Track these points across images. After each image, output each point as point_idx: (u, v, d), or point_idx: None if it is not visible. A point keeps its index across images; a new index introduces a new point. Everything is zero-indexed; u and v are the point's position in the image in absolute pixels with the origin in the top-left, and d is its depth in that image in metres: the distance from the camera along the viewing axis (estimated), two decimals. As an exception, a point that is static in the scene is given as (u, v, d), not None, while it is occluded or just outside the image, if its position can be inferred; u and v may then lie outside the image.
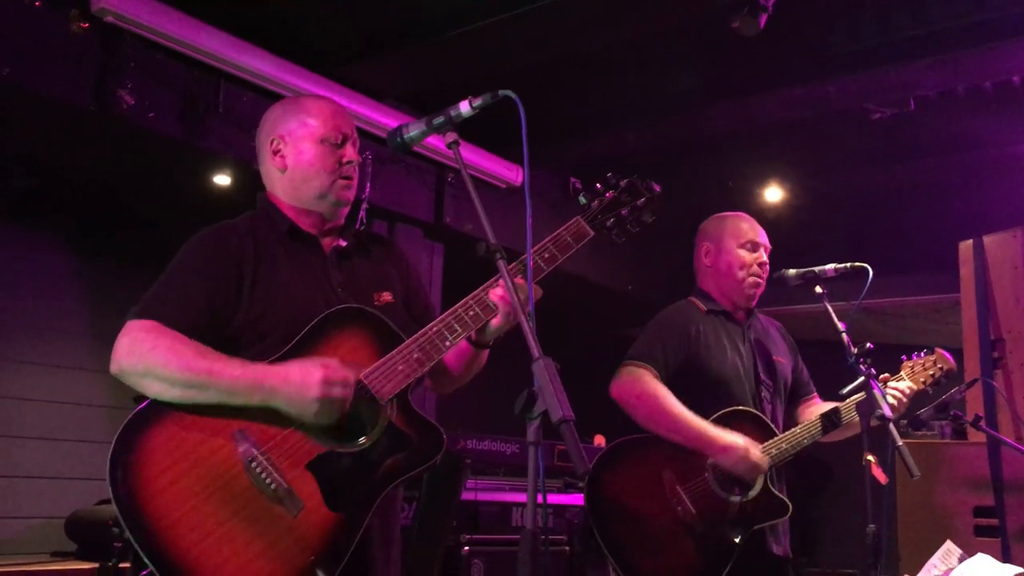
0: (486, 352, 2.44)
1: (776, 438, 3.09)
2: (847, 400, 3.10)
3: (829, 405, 3.20)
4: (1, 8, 3.99)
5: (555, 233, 2.43)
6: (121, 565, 4.08)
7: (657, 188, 2.59)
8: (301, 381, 2.09)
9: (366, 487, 2.16)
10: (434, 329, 2.24)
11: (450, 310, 2.27)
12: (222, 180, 5.18)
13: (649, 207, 2.56)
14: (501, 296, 2.27)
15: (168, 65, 4.53)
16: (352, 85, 4.97)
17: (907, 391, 3.13)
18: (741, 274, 3.26)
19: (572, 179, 6.57)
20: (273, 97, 4.79)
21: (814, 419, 3.13)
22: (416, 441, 2.21)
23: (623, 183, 2.55)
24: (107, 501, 4.87)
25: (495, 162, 5.84)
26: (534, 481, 1.85)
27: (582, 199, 2.52)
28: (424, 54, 4.94)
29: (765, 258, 3.30)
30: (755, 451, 3.03)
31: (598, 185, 2.55)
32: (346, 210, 2.47)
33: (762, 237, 3.34)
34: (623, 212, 2.53)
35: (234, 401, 2.11)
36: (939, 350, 3.24)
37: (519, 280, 2.25)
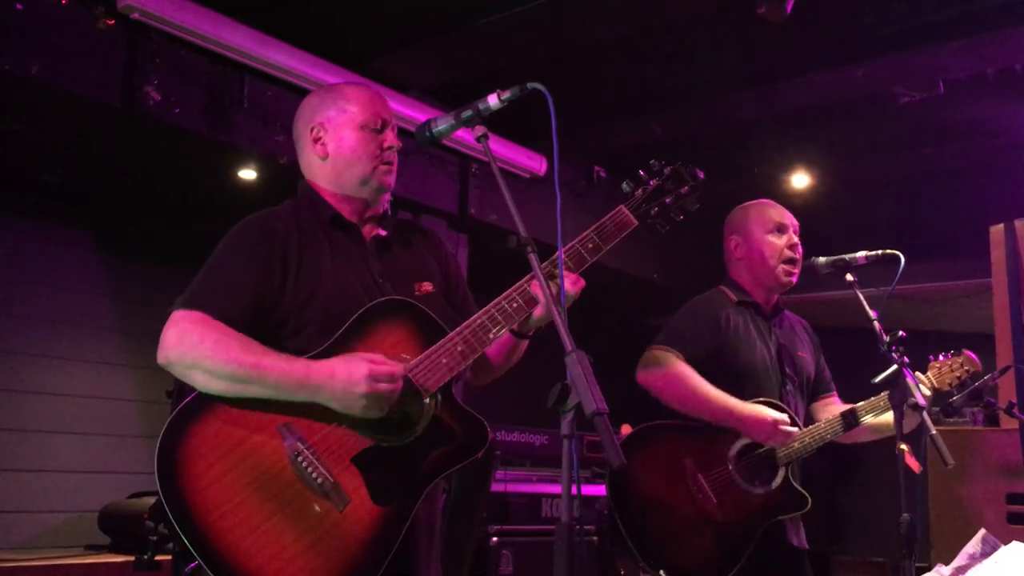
0: (526, 342, 2.43)
1: (799, 432, 3.09)
2: (881, 391, 3.08)
3: (848, 406, 3.19)
4: (28, 7, 4.02)
5: (599, 223, 2.40)
6: (157, 558, 4.12)
7: (701, 175, 2.55)
8: (348, 376, 2.09)
9: (412, 481, 2.17)
10: (478, 321, 2.23)
11: (493, 302, 2.26)
12: (247, 175, 5.20)
13: (693, 195, 2.53)
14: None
15: (193, 61, 4.55)
16: (376, 78, 4.96)
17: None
18: (773, 261, 3.24)
19: (596, 168, 6.55)
20: (297, 91, 4.81)
21: (835, 416, 3.13)
22: (460, 434, 2.21)
23: (667, 171, 2.52)
24: (140, 494, 4.93)
25: (518, 152, 5.83)
26: (568, 474, 1.85)
27: (625, 187, 2.48)
28: (447, 46, 4.94)
29: (796, 239, 3.27)
30: (786, 423, 3.03)
31: (641, 173, 2.51)
32: (387, 196, 2.46)
33: (789, 218, 3.31)
34: (667, 200, 2.50)
35: (279, 396, 2.12)
36: (966, 351, 3.21)
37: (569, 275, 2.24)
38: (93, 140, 4.83)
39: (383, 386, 2.10)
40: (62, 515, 5.43)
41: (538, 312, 2.29)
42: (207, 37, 4.38)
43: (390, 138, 2.42)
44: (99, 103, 4.29)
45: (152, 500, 4.56)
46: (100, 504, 5.05)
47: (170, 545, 4.16)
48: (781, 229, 3.27)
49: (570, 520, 1.82)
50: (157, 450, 2.08)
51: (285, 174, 4.91)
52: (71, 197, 5.61)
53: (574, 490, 1.83)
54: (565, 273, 2.22)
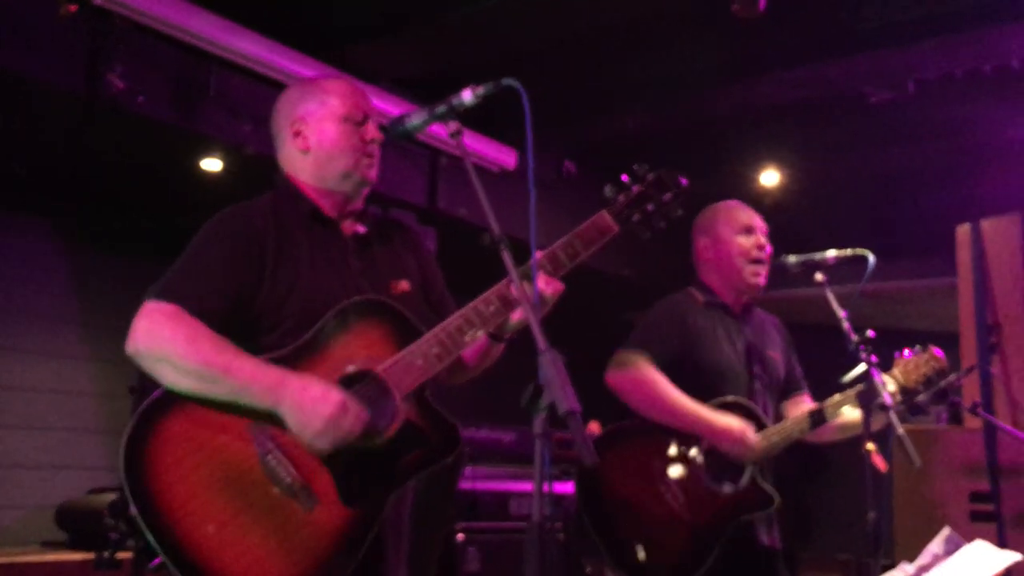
0: (502, 346, 2.41)
1: (767, 430, 3.11)
2: (848, 389, 3.10)
3: (816, 404, 3.21)
4: (-13, -9, 3.92)
5: (579, 228, 2.38)
6: (118, 555, 4.05)
7: (685, 182, 2.53)
8: (321, 396, 2.06)
9: (382, 483, 2.15)
10: (454, 324, 2.21)
11: (470, 304, 2.25)
12: (213, 165, 5.13)
13: (677, 202, 2.51)
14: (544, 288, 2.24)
15: (159, 48, 4.46)
16: (346, 68, 4.91)
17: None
18: (741, 261, 3.27)
19: (567, 162, 6.53)
20: (265, 81, 4.74)
21: (803, 415, 3.16)
22: (432, 437, 2.20)
23: (650, 177, 2.49)
24: (99, 491, 4.85)
25: (488, 145, 5.79)
26: (540, 472, 1.84)
27: (607, 192, 2.46)
28: (419, 38, 4.90)
29: (764, 240, 3.30)
30: (750, 434, 3.04)
31: (624, 178, 2.49)
32: (367, 191, 2.44)
33: (757, 220, 3.34)
34: (649, 207, 2.48)
35: (244, 400, 2.09)
36: (932, 348, 3.24)
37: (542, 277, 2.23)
38: (55, 128, 4.73)
39: (348, 420, 2.07)
40: (18, 511, 5.31)
41: (516, 316, 2.28)
42: (173, 24, 4.28)
43: (372, 131, 2.40)
44: (61, 91, 4.18)
45: (112, 496, 4.50)
46: (58, 500, 4.97)
47: (131, 542, 4.10)
48: (749, 231, 3.29)
49: (541, 519, 1.81)
50: (123, 445, 2.05)
51: (251, 164, 4.84)
52: (31, 186, 5.49)
53: (546, 488, 1.81)
54: (540, 274, 2.22)
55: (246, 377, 2.08)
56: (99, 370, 5.67)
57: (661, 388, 3.08)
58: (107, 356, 5.59)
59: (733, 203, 3.40)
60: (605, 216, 2.41)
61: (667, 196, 2.50)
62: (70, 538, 4.85)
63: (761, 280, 3.29)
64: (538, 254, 2.25)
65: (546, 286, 2.25)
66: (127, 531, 4.12)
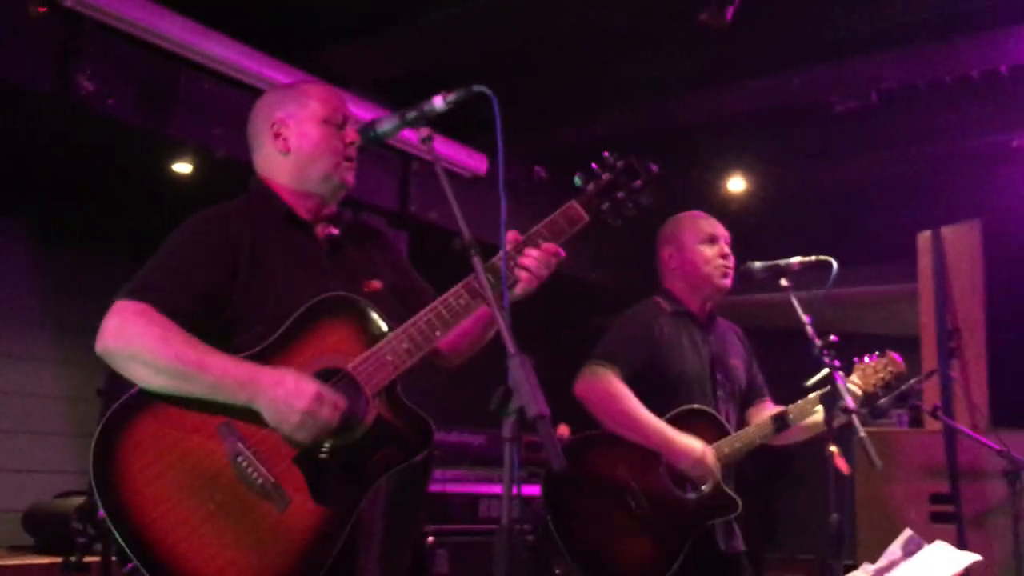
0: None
1: (729, 437, 3.16)
2: (811, 393, 3.16)
3: (780, 408, 3.27)
4: (-44, -8, 3.90)
5: (549, 218, 2.39)
6: (85, 559, 4.02)
7: (655, 169, 2.53)
8: (295, 388, 2.06)
9: (355, 481, 2.15)
10: (424, 319, 2.22)
11: (440, 298, 2.26)
12: (183, 168, 5.11)
13: (647, 189, 2.51)
14: (527, 264, 2.27)
15: (129, 51, 4.44)
16: (316, 71, 4.91)
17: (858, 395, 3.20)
18: (707, 269, 3.33)
19: (537, 168, 6.56)
20: (235, 84, 4.73)
21: (765, 420, 3.22)
22: (405, 433, 2.19)
23: (620, 164, 2.50)
24: (67, 494, 4.81)
25: (459, 150, 5.81)
26: (510, 476, 1.86)
27: (577, 180, 2.47)
28: (389, 42, 4.91)
29: (727, 249, 3.37)
30: (710, 458, 3.08)
31: (594, 166, 2.49)
32: (343, 194, 2.45)
33: (720, 229, 3.42)
34: (619, 195, 2.48)
35: (218, 396, 2.08)
36: (890, 353, 3.32)
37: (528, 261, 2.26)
38: (24, 129, 4.70)
39: (324, 411, 2.07)
40: (-17, 515, 5.27)
41: (518, 290, 2.28)
42: (143, 27, 4.27)
43: (351, 134, 2.41)
44: (31, 91, 4.16)
45: (79, 500, 4.46)
46: (24, 504, 4.91)
47: (98, 546, 4.07)
48: (713, 240, 3.37)
49: (510, 522, 1.82)
50: (93, 449, 2.04)
51: (221, 168, 4.83)
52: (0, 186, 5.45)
53: (515, 491, 1.82)
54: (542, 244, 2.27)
55: (220, 373, 2.08)
56: (67, 372, 5.62)
57: (626, 404, 3.12)
58: (75, 358, 5.55)
59: (696, 213, 3.47)
60: (575, 206, 2.42)
61: (637, 183, 2.50)
62: (37, 542, 4.79)
63: (727, 282, 3.36)
64: (508, 241, 2.27)
65: (542, 253, 2.27)
66: (95, 535, 4.09)
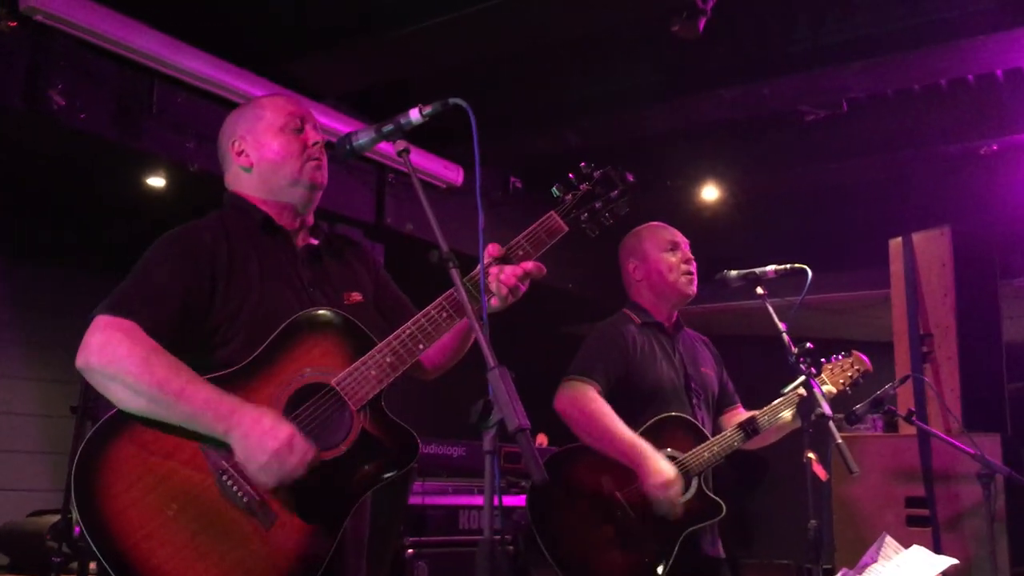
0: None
1: (707, 442, 3.19)
2: (784, 396, 3.19)
3: (751, 414, 3.30)
4: (-76, 7, 3.86)
5: (529, 229, 2.39)
6: (61, 579, 3.98)
7: (631, 178, 2.55)
8: (270, 429, 2.04)
9: (340, 496, 2.13)
10: (407, 332, 2.21)
11: (422, 312, 2.25)
12: (156, 182, 5.08)
13: (623, 198, 2.52)
14: (506, 281, 2.26)
15: (100, 65, 4.42)
16: (289, 84, 4.91)
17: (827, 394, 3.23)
18: (672, 276, 3.37)
19: (512, 178, 6.59)
20: (208, 97, 4.72)
21: (735, 427, 3.24)
22: (390, 447, 2.18)
23: (597, 174, 2.51)
24: (41, 512, 4.75)
25: (434, 162, 5.82)
26: (491, 489, 1.86)
27: (555, 191, 2.47)
28: (362, 53, 4.90)
29: (689, 254, 3.41)
30: (677, 486, 3.06)
31: (571, 176, 2.50)
32: (319, 196, 2.44)
33: (680, 236, 3.47)
34: (596, 205, 2.49)
35: (194, 426, 2.06)
36: (855, 352, 3.37)
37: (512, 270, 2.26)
38: (-6, 145, 4.67)
39: (293, 458, 2.04)
40: (-45, 535, 5.19)
41: (496, 303, 2.28)
42: (115, 41, 4.25)
43: (312, 135, 2.41)
44: (1, 107, 4.13)
45: (54, 519, 4.40)
46: (-2, 522, 4.86)
47: (73, 565, 4.03)
48: (674, 247, 3.42)
49: (492, 535, 1.82)
50: (73, 470, 2.01)
51: (195, 181, 4.81)
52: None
53: (496, 502, 1.84)
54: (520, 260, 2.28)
55: (199, 404, 2.06)
56: (40, 390, 5.57)
57: (605, 420, 3.14)
58: (48, 375, 5.49)
59: (655, 224, 3.51)
60: (554, 216, 2.43)
61: (614, 192, 2.52)
62: (11, 561, 4.74)
63: (693, 288, 3.40)
64: (488, 254, 2.27)
65: (518, 270, 2.27)
66: (71, 553, 4.04)
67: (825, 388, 3.25)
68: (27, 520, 4.76)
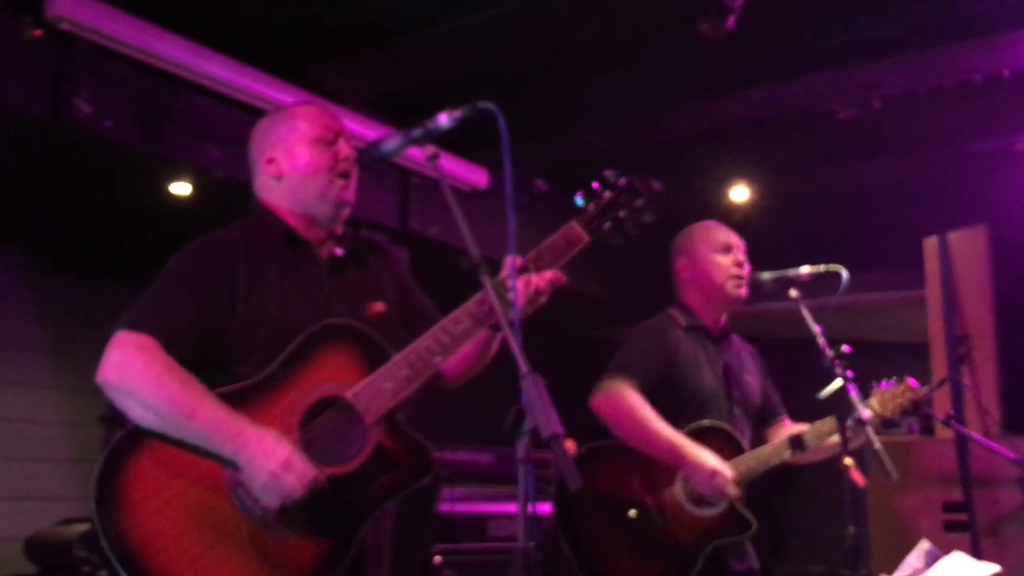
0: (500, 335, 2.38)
1: (745, 455, 3.13)
2: (831, 421, 3.11)
3: (799, 427, 3.24)
4: (-49, 18, 3.88)
5: (548, 240, 2.36)
6: (90, 588, 3.98)
7: (657, 186, 2.49)
8: (270, 449, 2.04)
9: (355, 509, 2.13)
10: (423, 344, 2.20)
11: (440, 323, 2.23)
12: (181, 189, 5.10)
13: (649, 207, 2.47)
14: (524, 291, 2.23)
15: (125, 72, 4.43)
16: (313, 89, 4.91)
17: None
18: (721, 279, 3.31)
19: (537, 181, 6.56)
20: (233, 103, 4.72)
21: (782, 441, 3.18)
22: (405, 460, 2.17)
23: (621, 183, 2.45)
24: (69, 521, 4.78)
25: (459, 165, 5.80)
26: (524, 497, 1.83)
27: (579, 200, 2.43)
28: (386, 58, 4.91)
29: (742, 257, 3.33)
30: (726, 474, 3.02)
31: (595, 185, 2.46)
32: (346, 214, 2.42)
33: (735, 238, 3.39)
34: (621, 214, 2.44)
35: (205, 446, 2.07)
36: (908, 379, 3.30)
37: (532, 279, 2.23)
38: (20, 155, 4.68)
39: (289, 478, 2.03)
40: (-14, 544, 5.24)
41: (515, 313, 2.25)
42: (139, 48, 4.26)
43: (344, 149, 2.40)
44: (27, 116, 4.15)
45: (83, 527, 4.43)
46: (26, 532, 4.88)
47: (103, 573, 4.03)
48: (727, 249, 3.34)
49: (526, 543, 1.82)
50: (95, 483, 2.04)
51: (219, 188, 4.82)
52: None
53: (530, 510, 1.83)
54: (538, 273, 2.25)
55: (208, 426, 2.07)
56: (68, 399, 5.61)
57: (642, 415, 3.09)
58: (76, 385, 5.53)
59: (710, 223, 3.44)
60: (575, 227, 2.38)
61: (639, 202, 2.45)
62: (41, 570, 4.77)
63: (743, 292, 3.33)
64: (507, 266, 2.23)
65: (541, 280, 2.24)
66: (99, 562, 4.05)
67: (868, 412, 3.16)
68: (55, 529, 4.79)
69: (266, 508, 2.06)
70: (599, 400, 3.15)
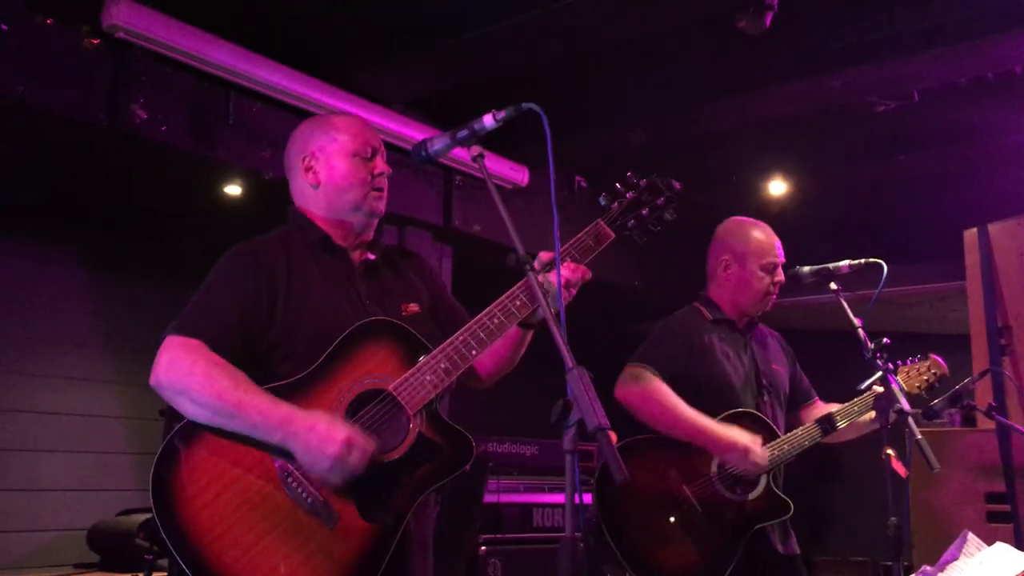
0: (531, 333, 2.49)
1: (777, 440, 3.17)
2: (861, 395, 3.16)
3: (831, 407, 3.28)
4: (13, 27, 4.01)
5: (576, 237, 2.47)
6: (155, 575, 4.11)
7: (677, 186, 2.61)
8: (326, 434, 2.13)
9: (399, 497, 2.22)
10: (460, 339, 2.29)
11: (475, 319, 2.33)
12: (233, 190, 5.22)
13: (670, 206, 2.58)
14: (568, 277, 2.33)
15: (178, 78, 4.56)
16: (357, 91, 5.00)
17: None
18: (759, 295, 3.35)
19: (577, 178, 6.60)
20: (282, 106, 4.84)
21: (812, 423, 3.24)
22: (446, 450, 2.27)
23: (643, 183, 2.58)
24: (129, 511, 4.92)
25: (500, 163, 5.86)
26: (572, 488, 1.89)
27: (602, 200, 2.54)
28: (428, 59, 4.96)
29: (781, 275, 3.36)
30: (757, 448, 3.08)
31: (618, 186, 2.57)
32: (376, 222, 2.52)
33: (780, 254, 3.41)
34: (643, 212, 2.56)
35: (255, 435, 2.16)
36: (932, 355, 3.36)
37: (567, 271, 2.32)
38: (79, 159, 4.83)
39: (354, 457, 2.13)
40: (50, 534, 5.39)
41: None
42: (192, 54, 4.38)
43: (380, 165, 2.49)
44: (85, 122, 4.28)
45: (142, 517, 4.55)
46: (89, 522, 5.04)
47: (164, 562, 4.15)
48: (773, 267, 3.36)
49: (573, 534, 1.86)
50: (152, 476, 2.14)
51: (270, 189, 4.93)
52: (56, 216, 5.59)
53: (577, 500, 1.88)
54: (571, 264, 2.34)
55: (257, 415, 2.15)
56: (127, 393, 5.76)
57: (668, 401, 3.13)
58: (135, 380, 5.66)
59: (767, 235, 3.42)
60: (601, 224, 2.50)
61: (660, 200, 2.58)
62: (102, 559, 4.90)
63: (768, 306, 3.40)
64: (538, 262, 2.31)
65: (571, 273, 2.34)
66: (159, 551, 4.17)
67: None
68: (116, 519, 4.93)
69: (316, 493, 2.14)
70: (622, 389, 3.20)
